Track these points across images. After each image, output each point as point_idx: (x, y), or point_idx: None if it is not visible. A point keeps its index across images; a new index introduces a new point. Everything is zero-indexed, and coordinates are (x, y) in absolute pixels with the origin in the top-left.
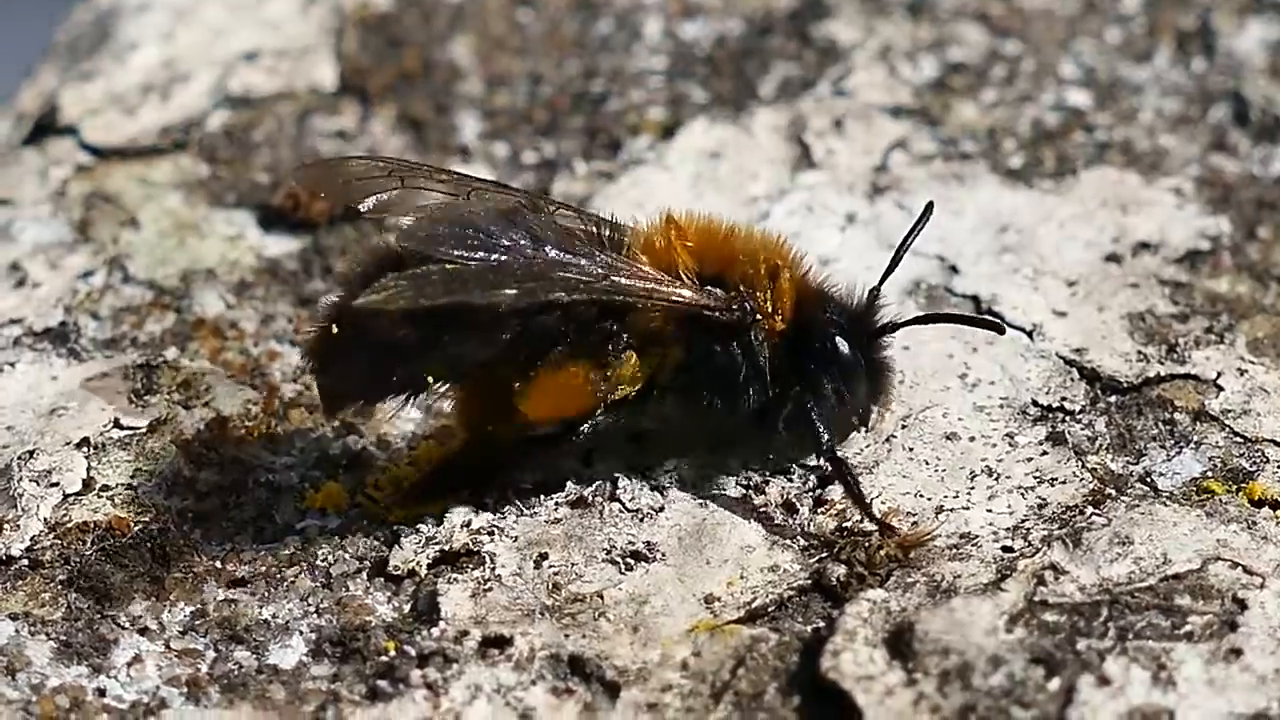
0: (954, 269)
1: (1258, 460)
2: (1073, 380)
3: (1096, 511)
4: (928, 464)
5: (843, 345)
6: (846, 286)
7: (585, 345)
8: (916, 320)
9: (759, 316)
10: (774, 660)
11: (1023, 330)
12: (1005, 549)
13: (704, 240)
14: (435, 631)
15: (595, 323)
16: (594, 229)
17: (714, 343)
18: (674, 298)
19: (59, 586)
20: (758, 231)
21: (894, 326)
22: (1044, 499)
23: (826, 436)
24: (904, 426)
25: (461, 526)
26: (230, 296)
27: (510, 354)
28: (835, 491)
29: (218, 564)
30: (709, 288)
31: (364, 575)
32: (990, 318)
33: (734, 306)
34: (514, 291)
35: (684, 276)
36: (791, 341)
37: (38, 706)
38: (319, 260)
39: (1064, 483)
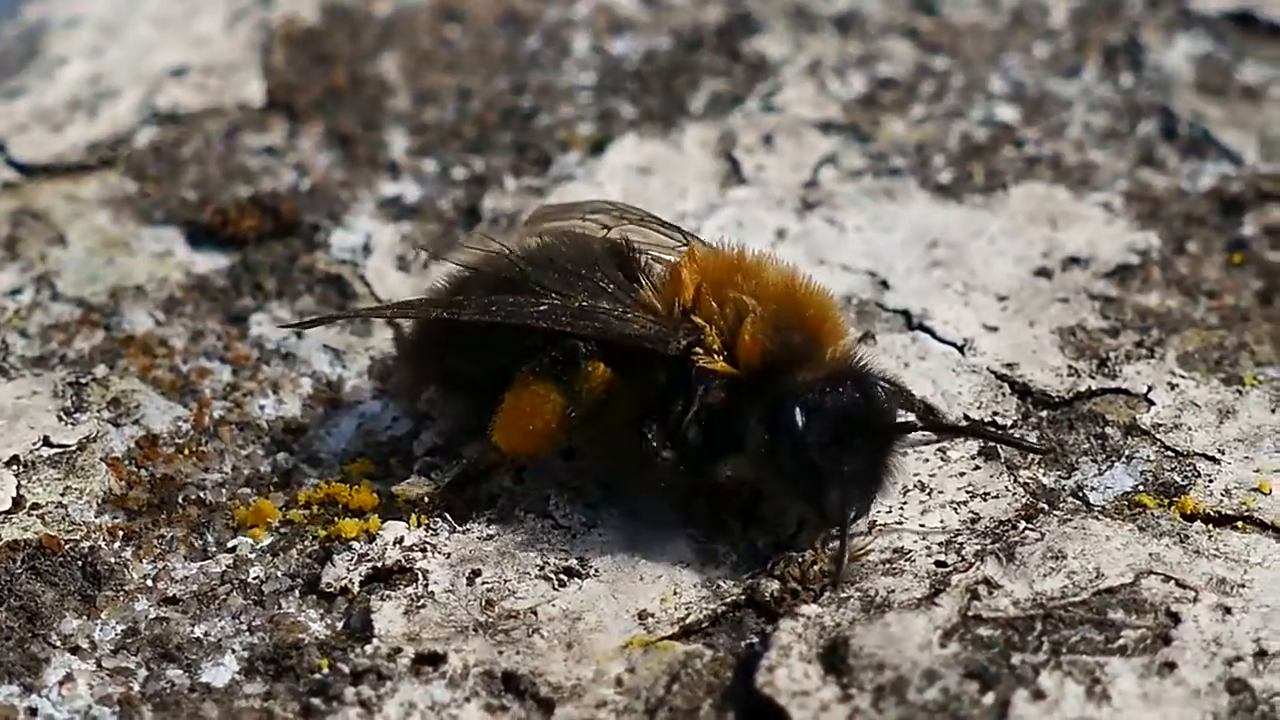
0: (885, 284)
1: (1189, 474)
2: (1004, 395)
3: (1029, 526)
4: None
5: (796, 419)
6: (892, 378)
7: (546, 366)
8: (930, 428)
9: (698, 350)
10: (709, 676)
11: (954, 345)
12: (939, 564)
13: (711, 275)
14: (369, 649)
15: (553, 344)
16: (634, 264)
17: (660, 372)
18: (607, 328)
19: None
20: (798, 281)
21: (897, 429)
22: (977, 513)
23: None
24: None
25: (394, 543)
26: (159, 314)
27: (485, 369)
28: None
29: (149, 582)
30: (650, 320)
31: (296, 593)
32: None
33: (667, 339)
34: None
35: (673, 308)
36: (753, 394)
37: None
38: (248, 277)
39: (996, 497)
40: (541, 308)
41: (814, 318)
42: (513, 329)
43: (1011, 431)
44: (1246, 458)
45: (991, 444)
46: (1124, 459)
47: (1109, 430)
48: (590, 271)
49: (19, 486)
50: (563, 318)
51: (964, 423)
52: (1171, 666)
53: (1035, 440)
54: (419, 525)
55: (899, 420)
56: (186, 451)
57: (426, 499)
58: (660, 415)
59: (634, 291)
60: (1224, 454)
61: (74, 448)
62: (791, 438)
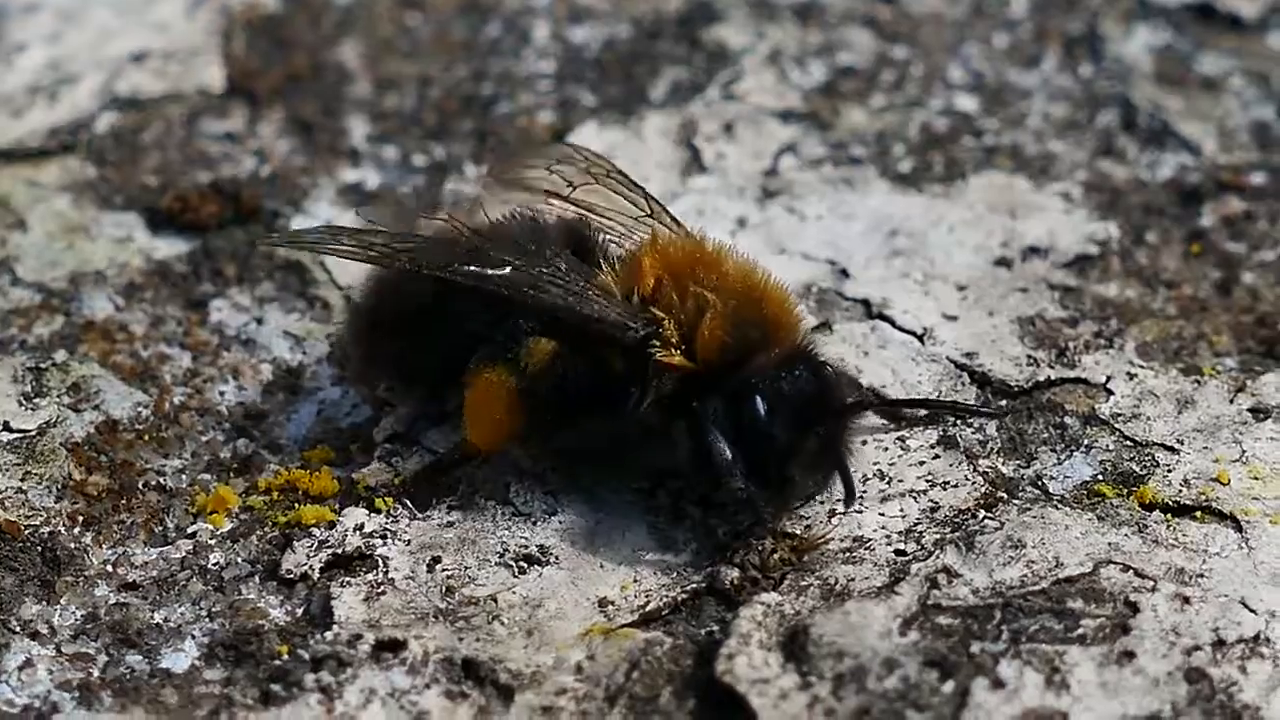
0: (845, 273)
1: (1148, 464)
2: (964, 384)
3: (988, 515)
4: None
5: (757, 409)
6: (840, 361)
7: (493, 350)
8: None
9: (655, 344)
10: (668, 663)
11: (913, 334)
12: (898, 552)
13: (672, 265)
14: (329, 635)
15: (504, 320)
16: (590, 246)
17: (617, 359)
18: (567, 304)
19: None
20: (756, 275)
21: (844, 410)
22: (936, 502)
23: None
24: None
25: (354, 530)
26: (119, 299)
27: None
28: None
29: (109, 568)
30: (609, 304)
31: (256, 579)
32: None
33: (626, 326)
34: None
35: (632, 295)
36: (711, 386)
37: None
38: (208, 263)
39: (956, 486)
40: (505, 271)
41: (772, 312)
42: (457, 313)
43: (970, 421)
44: (1205, 448)
45: (949, 432)
46: (1083, 448)
47: (1068, 420)
48: (551, 251)
49: None
50: (523, 286)
51: (916, 401)
52: (1130, 656)
53: (990, 412)
54: (380, 511)
55: (850, 399)
56: (146, 437)
57: (390, 487)
58: (614, 401)
59: (591, 275)
60: (1182, 444)
61: (34, 433)
62: (753, 425)
